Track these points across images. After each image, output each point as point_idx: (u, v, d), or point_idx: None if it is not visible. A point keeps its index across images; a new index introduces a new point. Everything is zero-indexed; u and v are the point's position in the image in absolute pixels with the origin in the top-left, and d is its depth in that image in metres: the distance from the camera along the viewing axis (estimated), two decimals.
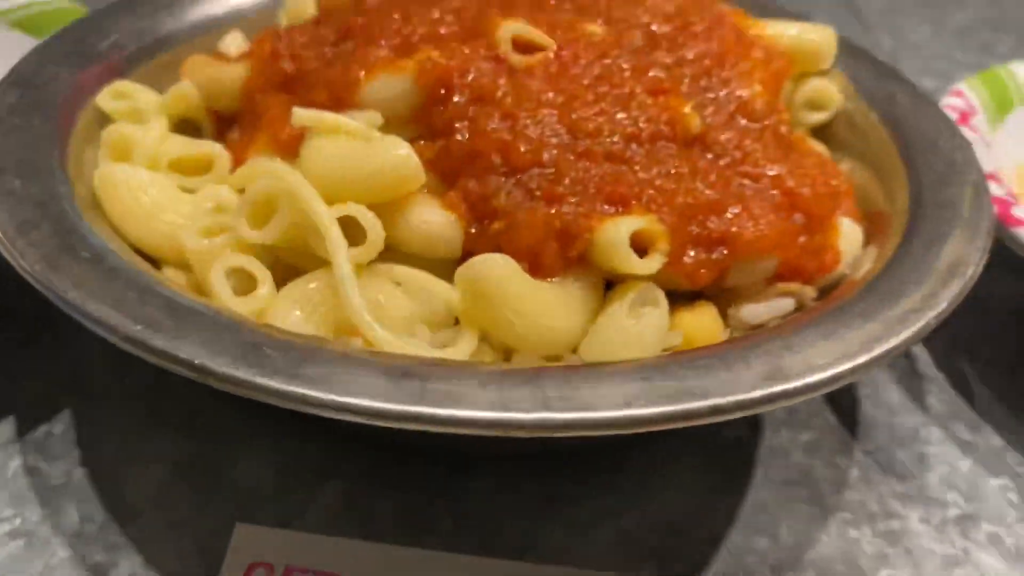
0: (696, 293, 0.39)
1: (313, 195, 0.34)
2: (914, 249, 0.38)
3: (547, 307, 0.35)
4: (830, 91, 0.50)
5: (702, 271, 0.37)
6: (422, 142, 0.39)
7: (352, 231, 0.35)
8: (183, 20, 0.52)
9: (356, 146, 0.36)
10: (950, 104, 0.55)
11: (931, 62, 0.86)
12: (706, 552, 0.40)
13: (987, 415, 0.48)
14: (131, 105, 0.43)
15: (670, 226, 0.36)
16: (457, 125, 0.38)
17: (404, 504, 0.40)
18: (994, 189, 0.47)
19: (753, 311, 0.38)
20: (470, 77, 0.38)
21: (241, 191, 0.38)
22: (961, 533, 0.42)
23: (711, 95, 0.42)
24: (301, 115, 0.37)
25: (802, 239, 0.38)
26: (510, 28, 0.41)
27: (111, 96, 0.44)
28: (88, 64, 0.46)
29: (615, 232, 0.35)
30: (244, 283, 0.36)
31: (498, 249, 0.36)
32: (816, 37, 0.50)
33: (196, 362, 0.29)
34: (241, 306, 0.34)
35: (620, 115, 0.39)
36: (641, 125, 0.39)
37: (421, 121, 0.39)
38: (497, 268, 0.34)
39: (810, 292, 0.38)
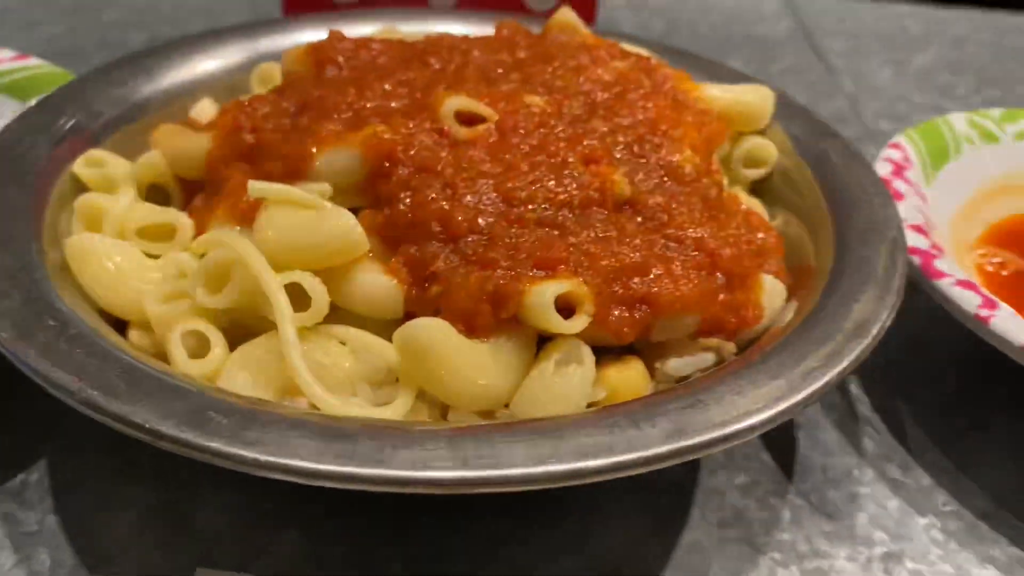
0: (626, 348, 0.41)
1: (263, 264, 0.37)
2: (828, 306, 0.41)
3: (479, 366, 0.37)
4: (767, 149, 0.53)
5: (626, 329, 0.39)
6: (369, 210, 0.42)
7: (301, 295, 0.38)
8: (159, 85, 0.55)
9: (306, 216, 0.39)
10: (887, 156, 0.58)
11: (890, 105, 0.89)
12: None
13: (919, 456, 0.50)
14: (104, 173, 0.47)
15: (595, 287, 0.39)
16: (400, 195, 0.41)
17: (356, 548, 0.43)
18: (919, 242, 0.50)
19: (677, 365, 0.41)
20: (412, 151, 0.41)
21: (202, 257, 0.41)
22: (885, 571, 0.44)
23: (643, 160, 0.45)
24: (256, 187, 0.40)
25: (722, 297, 0.41)
26: (454, 103, 0.44)
27: (86, 164, 0.47)
28: (66, 133, 0.49)
29: (541, 296, 0.38)
30: (202, 344, 0.39)
31: (437, 311, 0.39)
32: (751, 99, 0.53)
33: (147, 425, 0.32)
34: (195, 368, 0.37)
35: (553, 183, 0.42)
36: (573, 192, 0.42)
37: (368, 191, 0.42)
38: (431, 331, 0.37)
39: (730, 347, 0.41)
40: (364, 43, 0.52)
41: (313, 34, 0.58)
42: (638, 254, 0.40)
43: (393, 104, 0.45)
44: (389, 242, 0.41)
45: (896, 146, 0.59)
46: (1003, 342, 0.44)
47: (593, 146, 0.44)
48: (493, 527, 0.44)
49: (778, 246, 0.47)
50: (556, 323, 0.38)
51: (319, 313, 0.38)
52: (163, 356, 0.39)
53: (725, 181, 0.52)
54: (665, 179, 0.45)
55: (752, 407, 0.34)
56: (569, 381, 0.37)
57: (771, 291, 0.43)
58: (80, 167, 0.47)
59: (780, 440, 0.50)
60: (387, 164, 0.42)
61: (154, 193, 0.49)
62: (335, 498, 0.44)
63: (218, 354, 0.37)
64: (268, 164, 0.43)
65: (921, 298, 0.50)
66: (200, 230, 0.44)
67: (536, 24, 0.59)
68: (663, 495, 0.47)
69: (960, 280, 0.47)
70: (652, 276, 0.40)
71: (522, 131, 0.44)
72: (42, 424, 0.47)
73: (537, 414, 0.37)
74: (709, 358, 0.41)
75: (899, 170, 0.57)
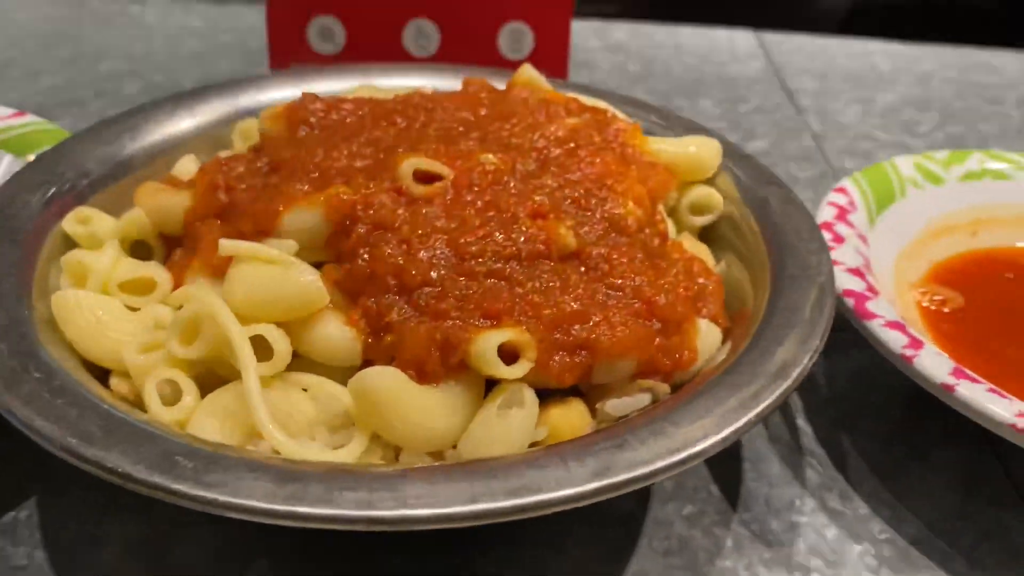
0: (570, 389, 0.45)
1: (230, 317, 0.41)
2: (755, 349, 0.44)
3: (429, 411, 0.41)
4: (712, 197, 0.57)
5: (566, 373, 0.43)
6: (331, 265, 0.45)
7: (267, 345, 0.42)
8: (144, 144, 0.59)
9: (271, 271, 0.43)
10: (832, 200, 0.62)
11: (855, 142, 0.93)
12: None
13: (859, 486, 0.53)
14: (90, 230, 0.50)
15: (538, 335, 0.42)
16: (359, 251, 0.44)
17: None
18: (855, 284, 0.54)
19: (616, 405, 0.44)
20: (371, 210, 0.45)
21: (179, 309, 0.45)
22: None
23: (588, 214, 0.48)
24: (226, 245, 0.44)
25: (658, 341, 0.44)
26: (411, 163, 0.47)
27: (74, 221, 0.51)
28: (57, 191, 0.53)
29: (486, 344, 0.41)
30: (177, 391, 0.42)
31: (391, 359, 0.42)
32: (696, 150, 0.56)
33: (119, 469, 0.35)
34: (167, 415, 0.40)
35: (502, 237, 0.45)
36: (520, 245, 0.45)
37: (331, 247, 0.46)
38: (383, 379, 0.40)
39: (664, 388, 0.44)
40: (335, 104, 0.55)
41: (292, 90, 0.62)
42: (579, 303, 0.44)
43: (358, 164, 0.49)
44: (349, 294, 0.44)
45: (841, 190, 0.63)
46: (925, 380, 0.47)
47: (542, 201, 0.47)
48: (453, 558, 0.47)
49: (717, 291, 0.50)
50: (499, 369, 0.41)
51: (281, 363, 0.41)
52: (141, 403, 0.43)
53: (673, 228, 0.56)
54: (609, 231, 0.48)
55: (673, 446, 0.37)
56: (511, 423, 0.40)
57: (706, 335, 0.47)
58: (68, 224, 0.51)
59: (728, 472, 0.54)
60: (348, 222, 0.45)
61: (138, 247, 0.52)
62: (301, 532, 0.48)
63: (188, 402, 0.41)
64: (240, 222, 0.47)
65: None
66: (178, 283, 0.47)
67: (508, 75, 0.62)
68: (615, 526, 0.50)
69: (889, 321, 0.50)
70: (592, 323, 0.43)
71: (476, 188, 0.48)
72: (33, 464, 0.51)
73: (482, 454, 0.40)
74: (646, 398, 0.44)
75: (843, 214, 0.60)
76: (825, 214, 0.60)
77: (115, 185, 0.55)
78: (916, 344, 0.49)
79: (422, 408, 0.40)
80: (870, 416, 0.58)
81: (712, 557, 0.49)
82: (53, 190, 0.53)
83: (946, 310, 0.61)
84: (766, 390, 0.41)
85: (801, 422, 0.58)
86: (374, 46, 0.84)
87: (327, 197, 0.45)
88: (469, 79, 0.61)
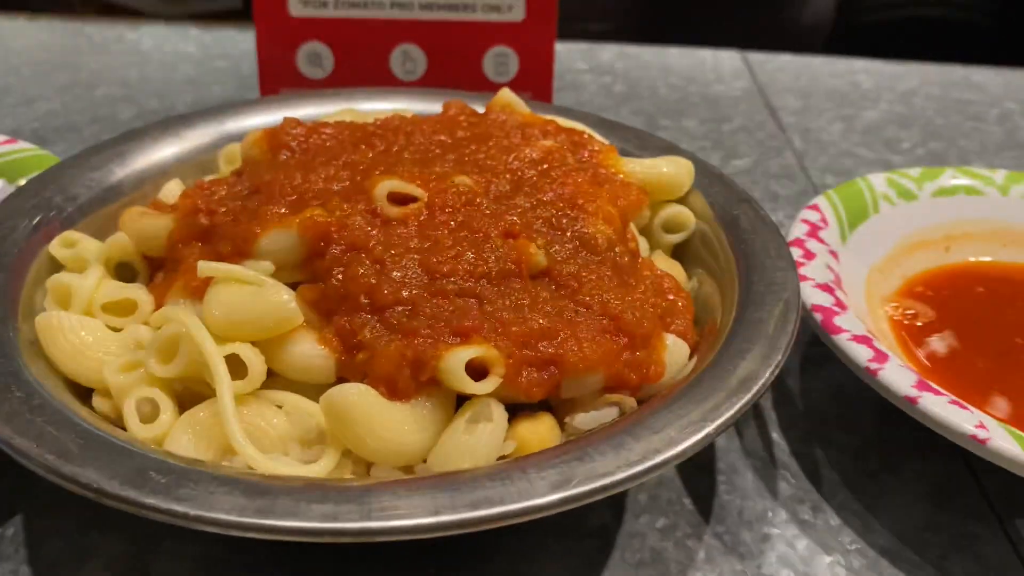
0: (540, 403, 0.46)
1: (206, 337, 0.42)
2: (719, 363, 0.45)
3: (398, 427, 0.42)
4: (684, 216, 0.58)
5: (535, 388, 0.44)
6: (306, 285, 0.47)
7: (243, 363, 0.43)
8: (132, 168, 0.61)
9: (247, 292, 0.44)
10: (804, 218, 0.63)
11: (837, 160, 0.94)
12: None
13: (830, 497, 0.54)
14: (76, 253, 0.52)
15: (506, 351, 0.43)
16: (333, 271, 0.46)
17: None
18: (823, 299, 0.55)
19: (584, 419, 0.45)
20: (345, 232, 0.46)
21: (158, 330, 0.46)
22: None
23: (559, 233, 0.50)
24: (204, 267, 0.45)
25: (625, 356, 0.46)
26: (386, 186, 0.49)
27: (60, 245, 0.52)
28: (45, 215, 0.55)
29: (454, 360, 0.42)
30: (156, 409, 0.43)
31: (364, 376, 0.44)
32: (669, 170, 0.58)
33: (93, 485, 0.36)
34: (144, 432, 0.41)
35: (473, 256, 0.46)
36: (491, 265, 0.46)
37: (306, 267, 0.47)
38: (354, 395, 0.41)
39: (630, 402, 0.46)
40: (316, 128, 0.57)
41: (277, 116, 0.63)
42: (547, 320, 0.45)
43: (335, 187, 0.50)
44: (324, 313, 0.46)
45: (814, 207, 0.64)
46: (889, 392, 0.48)
47: (514, 221, 0.49)
48: (429, 570, 0.48)
49: (687, 307, 0.51)
50: (468, 385, 0.42)
51: (256, 380, 0.42)
52: (123, 421, 0.44)
53: (646, 246, 0.57)
54: (580, 249, 0.49)
55: (633, 458, 0.38)
56: (479, 438, 0.41)
57: (673, 350, 0.48)
58: (55, 248, 0.52)
59: (702, 485, 0.54)
60: (322, 244, 0.46)
61: (123, 270, 0.54)
62: (279, 547, 0.49)
63: (165, 419, 0.42)
64: (220, 244, 0.48)
65: None
66: (159, 304, 0.49)
67: (490, 99, 0.64)
68: (589, 539, 0.51)
69: (856, 335, 0.52)
70: (559, 339, 0.44)
71: (449, 209, 0.49)
72: (19, 482, 0.52)
73: (451, 468, 0.41)
74: (613, 412, 0.45)
75: (814, 231, 0.62)
76: (797, 231, 0.61)
77: (102, 210, 0.57)
78: (881, 357, 0.50)
79: (392, 424, 0.42)
80: (843, 429, 0.59)
81: (684, 569, 0.49)
82: (40, 215, 0.54)
83: (918, 324, 0.62)
84: (726, 403, 0.42)
85: (775, 435, 0.59)
86: (362, 71, 0.85)
87: (302, 219, 0.47)
88: (449, 102, 0.62)
